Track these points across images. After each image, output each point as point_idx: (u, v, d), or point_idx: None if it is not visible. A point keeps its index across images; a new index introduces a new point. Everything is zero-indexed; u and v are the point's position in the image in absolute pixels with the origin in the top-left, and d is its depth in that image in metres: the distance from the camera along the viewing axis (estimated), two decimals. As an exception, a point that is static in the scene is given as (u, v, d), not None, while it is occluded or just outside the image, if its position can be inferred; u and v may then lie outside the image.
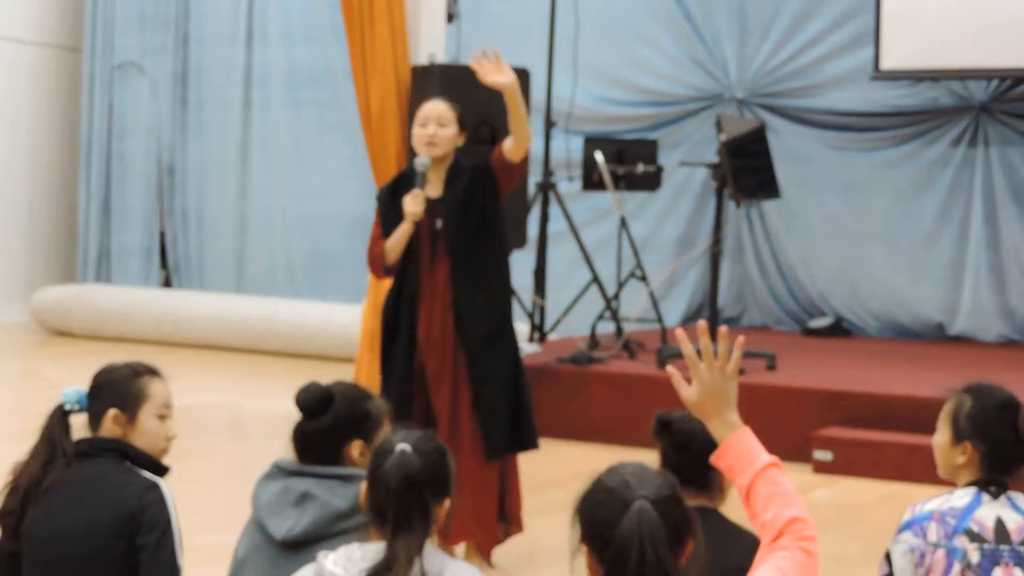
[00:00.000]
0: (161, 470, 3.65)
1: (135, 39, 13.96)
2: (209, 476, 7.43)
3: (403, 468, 2.87)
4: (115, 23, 14.01)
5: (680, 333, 2.94)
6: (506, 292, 5.84)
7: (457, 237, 5.66)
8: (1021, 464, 3.56)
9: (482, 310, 5.70)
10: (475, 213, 5.65)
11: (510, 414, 5.72)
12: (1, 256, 13.70)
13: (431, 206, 5.66)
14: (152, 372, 3.71)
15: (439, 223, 5.69)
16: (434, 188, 5.71)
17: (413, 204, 5.62)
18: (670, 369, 2.95)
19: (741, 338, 2.95)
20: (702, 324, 2.94)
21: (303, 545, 3.29)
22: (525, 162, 5.67)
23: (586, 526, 2.49)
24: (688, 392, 2.92)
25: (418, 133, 5.69)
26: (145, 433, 3.64)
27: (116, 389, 3.65)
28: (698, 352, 2.91)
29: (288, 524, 3.42)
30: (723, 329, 2.95)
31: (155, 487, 3.56)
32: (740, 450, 2.84)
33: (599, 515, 2.47)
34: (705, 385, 2.90)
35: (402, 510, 2.85)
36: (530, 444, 5.84)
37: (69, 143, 14.31)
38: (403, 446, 2.91)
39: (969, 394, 3.57)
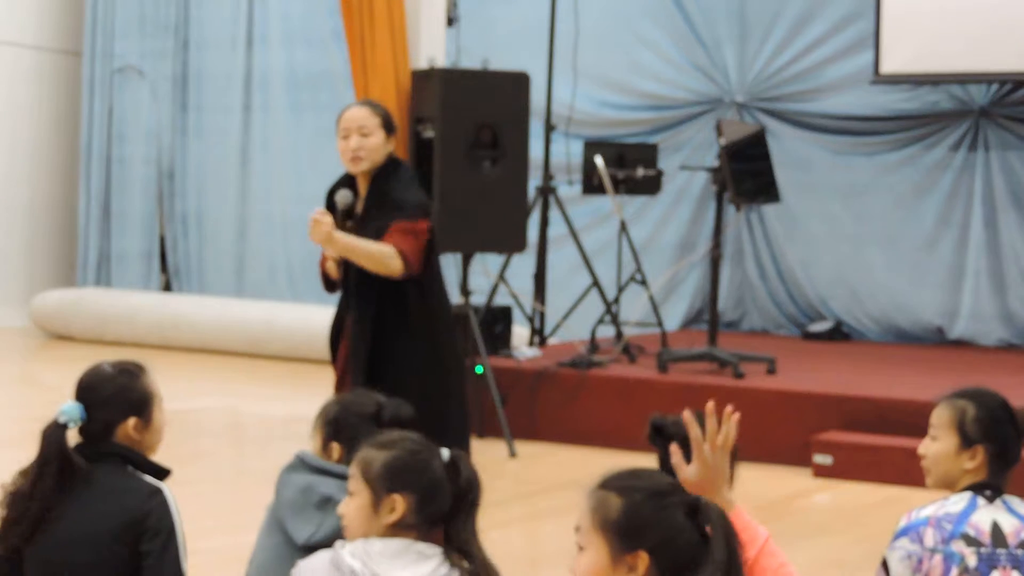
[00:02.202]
0: (162, 473, 3.64)
1: (135, 43, 13.97)
2: (208, 480, 7.42)
3: (472, 471, 3.14)
4: (115, 27, 14.01)
5: (688, 416, 3.00)
6: (409, 333, 5.29)
7: (360, 274, 5.21)
8: (1017, 461, 3.62)
9: (364, 357, 5.15)
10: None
11: None
12: (1, 260, 13.69)
13: (353, 227, 5.26)
14: (143, 369, 3.69)
15: None
16: (361, 203, 5.32)
17: (317, 235, 5.21)
18: (673, 449, 3.01)
19: (735, 415, 2.99)
20: (710, 406, 2.99)
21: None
22: (410, 266, 5.17)
23: (655, 534, 2.47)
24: (688, 472, 2.97)
25: (340, 147, 5.25)
26: (157, 430, 3.64)
27: (128, 397, 3.61)
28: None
29: (310, 529, 3.45)
30: (712, 408, 2.98)
31: (158, 492, 3.55)
32: (740, 526, 2.86)
33: (670, 520, 2.48)
34: (707, 466, 2.96)
35: (469, 509, 3.13)
36: None
37: (69, 147, 14.31)
38: (445, 451, 3.14)
39: (968, 400, 3.61)
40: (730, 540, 2.49)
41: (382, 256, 5.14)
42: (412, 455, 3.13)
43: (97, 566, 3.50)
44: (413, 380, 5.22)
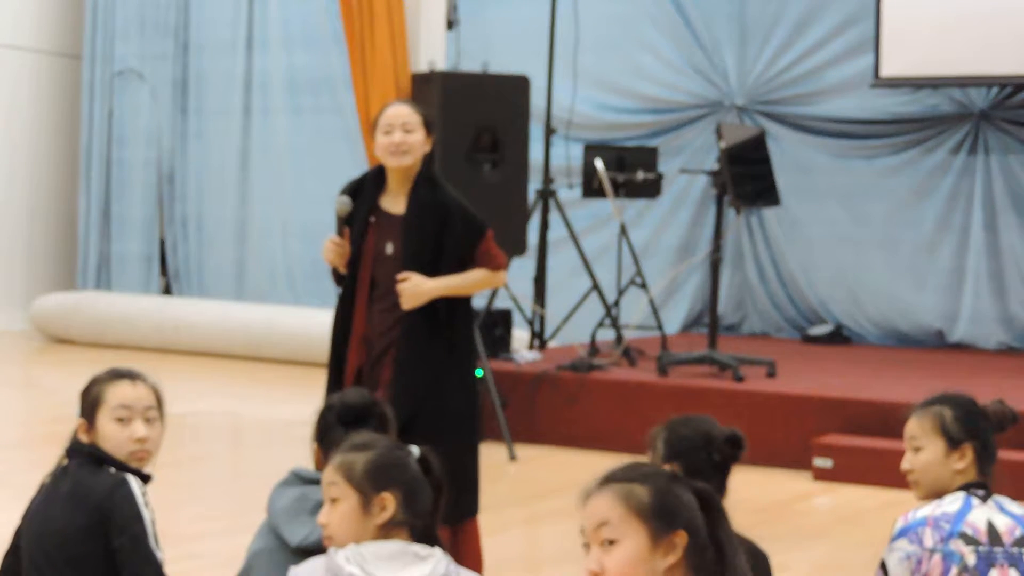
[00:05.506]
0: (142, 477, 3.65)
1: (135, 46, 13.97)
2: (208, 483, 7.41)
3: (441, 466, 3.19)
4: (115, 30, 14.01)
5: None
6: (459, 351, 5.15)
7: (413, 268, 5.06)
8: (996, 456, 3.71)
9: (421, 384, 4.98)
10: (433, 247, 5.09)
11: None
12: (1, 263, 13.69)
13: (387, 225, 5.17)
14: (118, 375, 3.70)
15: (389, 247, 5.16)
16: (395, 202, 5.20)
17: (328, 253, 5.20)
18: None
19: None
20: None
21: (317, 553, 3.32)
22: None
23: (686, 513, 2.55)
24: None
25: (383, 142, 5.15)
26: (106, 437, 3.65)
27: (81, 398, 3.70)
28: None
29: (304, 532, 3.45)
30: None
31: (123, 483, 3.57)
32: None
33: (689, 500, 2.56)
34: None
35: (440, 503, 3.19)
36: (459, 516, 4.78)
37: (69, 150, 14.31)
38: (415, 448, 3.16)
39: (942, 404, 3.75)
40: (727, 521, 2.61)
41: (487, 282, 5.22)
42: (391, 452, 3.13)
43: (72, 560, 3.52)
44: (448, 383, 5.11)
